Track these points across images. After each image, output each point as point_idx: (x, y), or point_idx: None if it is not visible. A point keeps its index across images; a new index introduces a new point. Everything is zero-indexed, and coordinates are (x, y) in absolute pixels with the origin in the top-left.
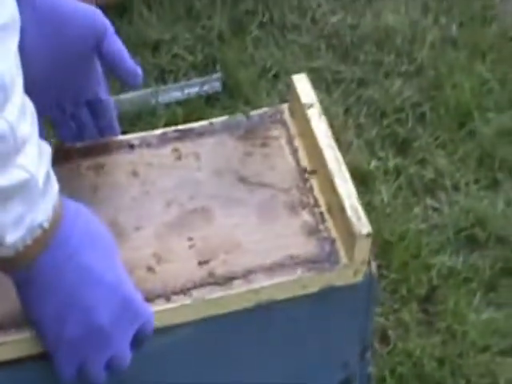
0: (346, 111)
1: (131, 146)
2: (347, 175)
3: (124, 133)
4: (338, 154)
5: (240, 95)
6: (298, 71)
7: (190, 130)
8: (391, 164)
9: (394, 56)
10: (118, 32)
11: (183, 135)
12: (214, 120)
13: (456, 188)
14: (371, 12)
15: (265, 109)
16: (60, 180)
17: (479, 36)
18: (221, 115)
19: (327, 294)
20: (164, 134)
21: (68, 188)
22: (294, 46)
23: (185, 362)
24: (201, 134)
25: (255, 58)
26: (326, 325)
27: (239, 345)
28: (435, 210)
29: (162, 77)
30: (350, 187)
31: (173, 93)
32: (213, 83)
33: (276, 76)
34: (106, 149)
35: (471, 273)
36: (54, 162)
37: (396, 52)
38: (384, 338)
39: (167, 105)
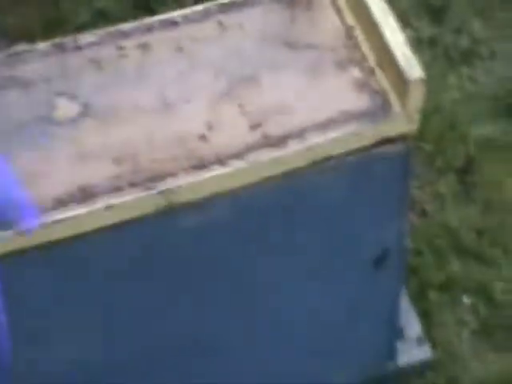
0: None
1: (174, 23)
2: (395, 25)
3: (153, 11)
4: (385, 6)
5: None
6: None
7: (233, 3)
8: (426, 33)
9: None
10: None
11: (226, 8)
12: None
13: (493, 56)
14: None
15: None
16: (106, 63)
17: None
18: None
19: (369, 162)
20: (207, 8)
21: (114, 69)
22: None
23: (220, 241)
24: (243, 5)
25: None
26: (365, 196)
27: (282, 215)
28: (471, 79)
29: None
30: (398, 36)
31: None
32: None
33: None
34: (150, 28)
35: (509, 142)
36: (99, 45)
37: None
38: (420, 211)
39: None
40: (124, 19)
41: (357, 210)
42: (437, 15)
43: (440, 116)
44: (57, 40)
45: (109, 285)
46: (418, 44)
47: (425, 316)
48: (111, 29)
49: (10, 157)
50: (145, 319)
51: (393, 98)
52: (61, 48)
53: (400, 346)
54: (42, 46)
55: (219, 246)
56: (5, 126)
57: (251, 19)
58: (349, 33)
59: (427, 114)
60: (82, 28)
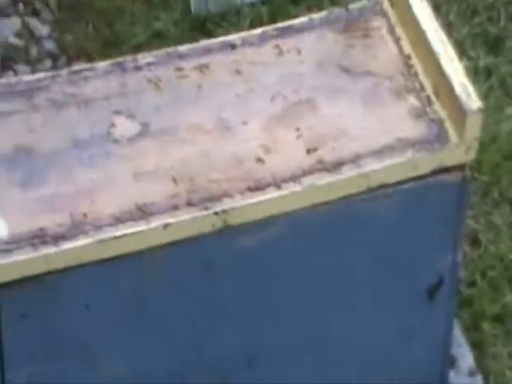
0: (436, 9)
1: (233, 46)
2: (453, 54)
3: (209, 33)
4: (443, 35)
5: None
6: None
7: (290, 27)
8: (482, 63)
9: None
10: None
11: (283, 32)
12: (313, 16)
13: None
14: None
15: (363, 1)
16: (164, 83)
17: None
18: (305, 14)
19: (425, 191)
20: (264, 32)
21: (173, 89)
22: None
23: (277, 260)
24: (300, 30)
25: None
26: (419, 224)
27: (336, 239)
28: None
29: None
30: (456, 65)
31: None
32: None
33: None
34: (208, 50)
35: None
36: (158, 66)
37: None
38: (475, 242)
39: (252, 4)
40: (180, 40)
41: (411, 238)
42: (493, 45)
43: (496, 146)
44: (117, 59)
45: (163, 301)
46: (474, 74)
47: (477, 347)
48: (170, 50)
49: (68, 173)
50: (199, 334)
51: (450, 128)
52: (121, 67)
53: (452, 376)
54: (102, 64)
55: (273, 266)
56: (64, 142)
57: (308, 44)
58: (406, 61)
59: (483, 144)
60: (138, 48)
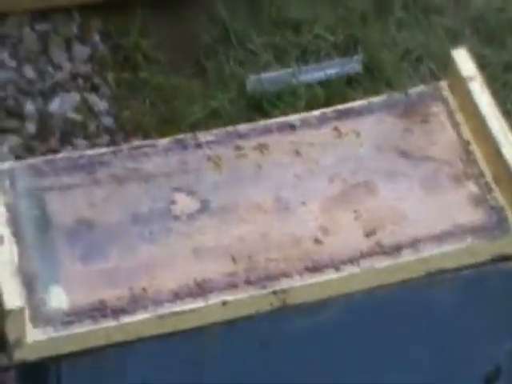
0: (493, 96)
1: (292, 127)
2: None
3: (265, 112)
4: (503, 122)
5: (381, 77)
6: (441, 54)
7: (349, 110)
8: None
9: None
10: (259, 10)
11: (342, 114)
12: (372, 99)
13: None
14: None
15: (423, 87)
16: (224, 162)
17: None
18: (362, 97)
19: (484, 278)
20: (323, 114)
21: (232, 168)
22: (437, 28)
23: (333, 341)
24: (360, 112)
25: (398, 39)
26: (477, 311)
27: (392, 323)
28: None
29: (302, 57)
30: None
31: (314, 73)
32: (354, 64)
33: (419, 59)
34: (268, 130)
35: None
36: (217, 144)
37: None
38: None
39: (308, 85)
40: (236, 119)
41: (468, 325)
42: None
43: None
44: (177, 137)
45: (220, 376)
46: None
47: None
48: (230, 129)
49: (129, 248)
50: None
51: (510, 215)
52: (181, 145)
53: None
54: (162, 141)
55: (328, 347)
56: (125, 217)
57: (367, 127)
58: (466, 147)
59: None
60: (194, 126)
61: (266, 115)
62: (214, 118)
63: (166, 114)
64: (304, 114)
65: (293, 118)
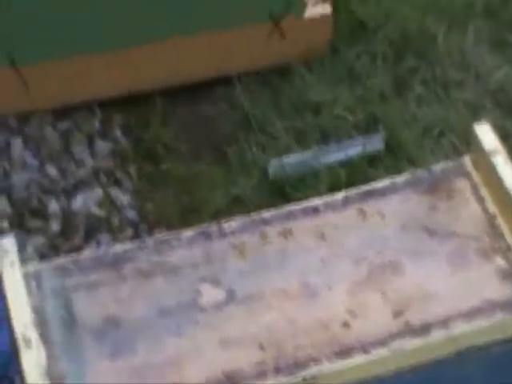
0: None
1: (316, 211)
2: None
3: (288, 197)
4: None
5: (403, 154)
6: (463, 129)
7: (373, 190)
8: None
9: None
10: (278, 94)
11: (366, 196)
12: (395, 178)
13: None
14: None
15: (446, 163)
16: (249, 249)
17: None
18: (384, 176)
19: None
20: (347, 196)
21: (257, 255)
22: (457, 103)
23: None
24: (383, 192)
25: (418, 116)
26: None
27: None
28: None
29: (323, 138)
30: None
31: (335, 154)
32: (375, 143)
33: (440, 134)
34: (292, 215)
35: None
36: (242, 232)
37: None
38: None
39: (330, 167)
40: (259, 205)
41: None
42: None
43: None
44: (201, 227)
45: None
46: None
47: None
48: (254, 216)
49: (156, 342)
50: None
51: None
52: (205, 235)
53: None
54: (187, 233)
55: None
56: (152, 311)
57: (391, 206)
58: (492, 221)
59: None
60: (217, 214)
61: (289, 200)
62: (236, 205)
63: (189, 203)
64: (327, 197)
65: (316, 201)
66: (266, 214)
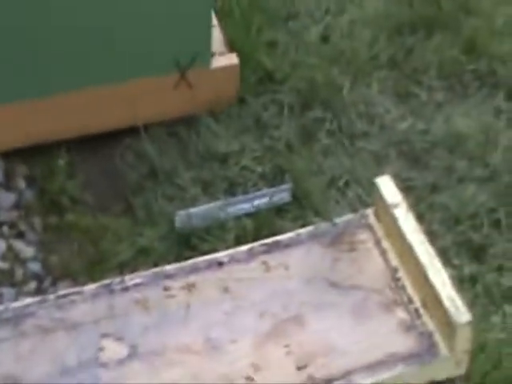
0: (419, 218)
1: (220, 264)
2: (439, 266)
3: (194, 247)
4: (429, 247)
5: (309, 205)
6: (368, 179)
7: (277, 243)
8: (467, 271)
9: (467, 161)
10: (185, 144)
11: (271, 248)
12: (300, 230)
13: None
14: (441, 117)
15: (350, 215)
16: (152, 304)
17: None
18: (291, 226)
19: None
20: (251, 248)
21: (161, 309)
22: (363, 153)
23: None
24: (288, 245)
25: (324, 166)
26: None
27: None
28: None
29: (231, 189)
30: (444, 277)
31: (242, 205)
32: (282, 194)
33: (346, 185)
34: (196, 268)
35: None
36: (145, 286)
37: (468, 157)
38: None
39: (237, 217)
40: (165, 256)
41: None
42: (477, 253)
43: (484, 356)
44: (104, 281)
45: None
46: (459, 282)
47: None
48: (157, 269)
49: None
50: None
51: (440, 340)
52: (108, 289)
53: None
54: (89, 287)
55: None
56: (52, 369)
57: (295, 259)
58: (393, 274)
59: (471, 354)
60: (123, 265)
61: (196, 251)
62: (142, 256)
63: (95, 255)
64: (232, 250)
65: (221, 254)
66: (170, 267)
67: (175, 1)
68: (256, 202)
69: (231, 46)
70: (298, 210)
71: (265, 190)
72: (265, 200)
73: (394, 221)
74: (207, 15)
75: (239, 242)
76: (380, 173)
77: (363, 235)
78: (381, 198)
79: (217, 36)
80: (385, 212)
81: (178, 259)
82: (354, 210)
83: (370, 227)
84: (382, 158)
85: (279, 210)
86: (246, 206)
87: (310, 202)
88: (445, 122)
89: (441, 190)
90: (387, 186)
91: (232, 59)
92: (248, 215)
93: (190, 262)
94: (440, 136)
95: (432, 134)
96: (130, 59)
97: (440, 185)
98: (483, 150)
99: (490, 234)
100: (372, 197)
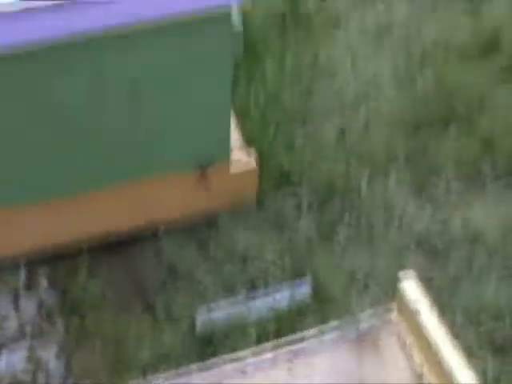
0: (440, 310)
1: (244, 372)
2: (464, 364)
3: (215, 349)
4: (453, 347)
5: (330, 301)
6: (388, 275)
7: (302, 349)
8: (490, 367)
9: (486, 257)
10: (205, 243)
11: (294, 353)
12: (324, 331)
13: None
14: (460, 215)
15: (371, 311)
16: None
17: None
18: (312, 323)
19: None
20: (275, 354)
21: None
22: (382, 248)
23: None
24: (311, 349)
25: (344, 262)
26: None
27: None
28: None
29: (251, 286)
30: (469, 374)
31: (263, 301)
32: (302, 289)
33: (366, 280)
34: (219, 374)
35: None
36: None
37: (488, 253)
38: None
39: (258, 317)
40: (187, 357)
41: None
42: (500, 351)
43: None
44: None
45: None
46: (482, 377)
47: None
48: (182, 371)
49: None
50: None
51: None
52: None
53: None
54: None
55: None
56: None
57: (321, 361)
58: (418, 373)
59: None
60: (145, 368)
61: (217, 352)
62: (163, 358)
63: (116, 356)
64: (255, 356)
65: (244, 361)
66: (195, 375)
67: (196, 108)
68: (277, 299)
69: (249, 146)
70: (319, 306)
71: (285, 286)
72: (285, 296)
73: (417, 319)
74: (226, 120)
75: (260, 342)
76: (400, 267)
77: (386, 333)
78: (403, 293)
79: (235, 137)
80: (408, 308)
81: (199, 360)
82: (375, 308)
83: (393, 324)
84: (401, 253)
85: (300, 308)
86: (266, 303)
87: (330, 298)
88: (463, 217)
89: (461, 285)
90: (410, 281)
91: (250, 165)
92: (269, 315)
93: (215, 369)
94: (459, 234)
95: (451, 231)
96: (152, 161)
97: (460, 280)
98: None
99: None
100: (394, 292)
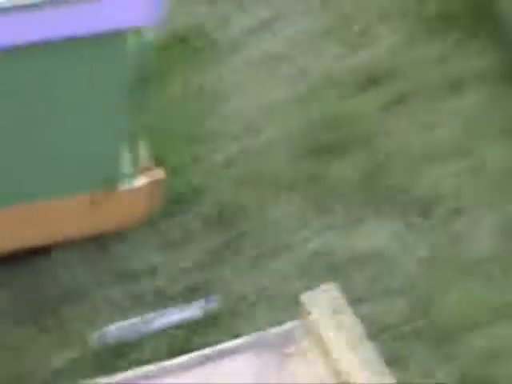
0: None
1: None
2: None
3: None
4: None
5: (234, 319)
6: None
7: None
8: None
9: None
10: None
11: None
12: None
13: None
14: (357, 236)
15: (279, 327)
16: None
17: None
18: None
19: None
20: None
21: None
22: (282, 269)
23: None
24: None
25: (246, 281)
26: None
27: None
28: None
29: (145, 306)
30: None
31: (157, 321)
32: (197, 312)
33: (270, 296)
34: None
35: None
36: None
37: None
38: None
39: (153, 334)
40: (84, 375)
41: None
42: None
43: None
44: None
45: None
46: None
47: None
48: None
49: None
50: None
51: None
52: None
53: None
54: None
55: None
56: None
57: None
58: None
59: None
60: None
61: (115, 369)
62: (59, 377)
63: (15, 370)
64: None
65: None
66: None
67: (88, 133)
68: (172, 318)
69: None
70: (218, 322)
71: (180, 305)
72: (180, 315)
73: (319, 330)
74: (122, 144)
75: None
76: (302, 284)
77: (294, 346)
78: (306, 309)
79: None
80: (312, 323)
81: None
82: (281, 321)
83: (299, 338)
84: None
85: (197, 324)
86: (160, 323)
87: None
88: (361, 237)
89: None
90: (313, 298)
91: (142, 183)
92: (164, 331)
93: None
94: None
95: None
96: (42, 180)
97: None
98: None
99: None
100: (298, 309)
